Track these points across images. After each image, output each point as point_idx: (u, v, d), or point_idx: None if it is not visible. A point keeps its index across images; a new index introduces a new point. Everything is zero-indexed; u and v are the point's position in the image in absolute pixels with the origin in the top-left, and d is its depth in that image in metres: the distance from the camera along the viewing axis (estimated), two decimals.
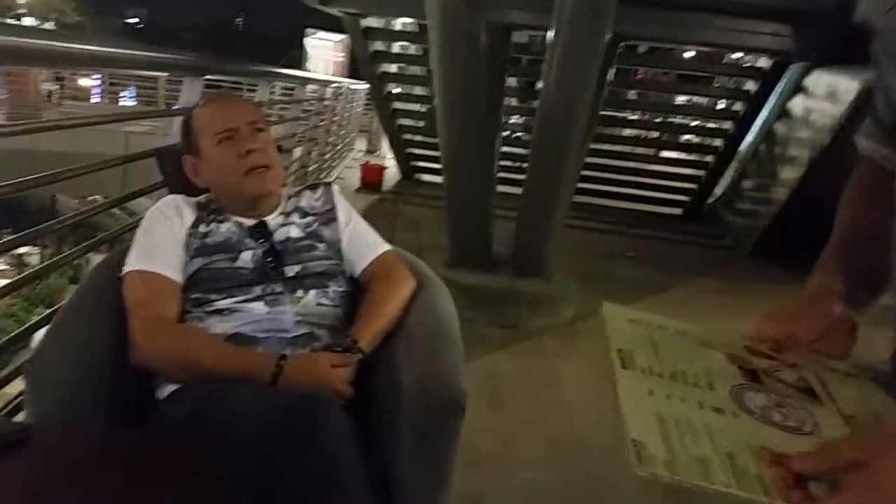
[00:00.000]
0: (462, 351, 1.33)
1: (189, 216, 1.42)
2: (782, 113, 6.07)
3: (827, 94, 5.00)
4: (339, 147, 8.17)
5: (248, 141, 1.41)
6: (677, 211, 7.54)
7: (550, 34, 3.36)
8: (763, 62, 6.28)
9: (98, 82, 14.37)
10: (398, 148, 7.94)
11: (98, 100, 14.52)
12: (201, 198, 1.48)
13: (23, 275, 2.09)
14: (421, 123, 8.01)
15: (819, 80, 5.28)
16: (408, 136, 7.90)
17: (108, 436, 1.08)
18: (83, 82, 14.47)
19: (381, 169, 7.73)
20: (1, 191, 1.48)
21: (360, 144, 10.58)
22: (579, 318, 3.81)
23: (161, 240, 1.38)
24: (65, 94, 13.84)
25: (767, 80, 6.08)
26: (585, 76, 3.40)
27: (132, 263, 1.35)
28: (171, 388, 1.27)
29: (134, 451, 1.00)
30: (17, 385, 1.38)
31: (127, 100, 14.57)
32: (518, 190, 4.17)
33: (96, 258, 2.77)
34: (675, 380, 0.67)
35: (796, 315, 0.74)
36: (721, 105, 7.74)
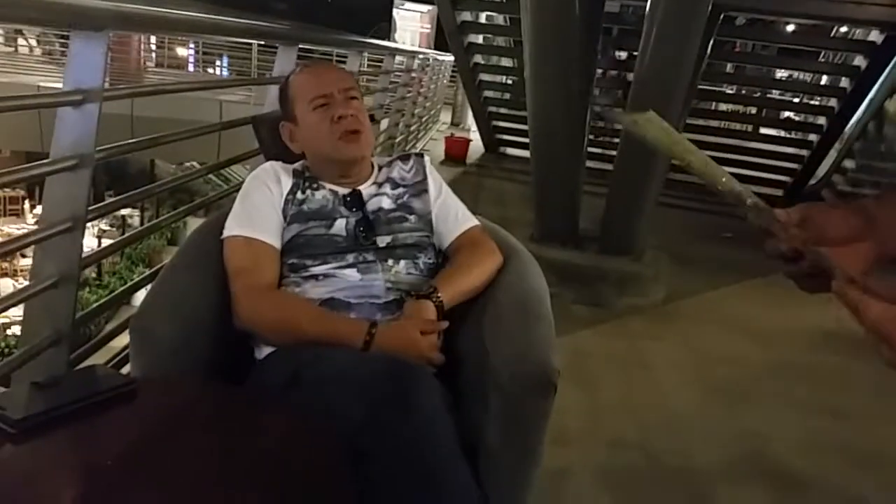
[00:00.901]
0: (553, 327, 1.30)
1: (286, 183, 1.44)
2: (894, 90, 5.65)
3: None
4: (424, 119, 8.18)
5: (342, 106, 1.42)
6: (778, 192, 7.17)
7: (649, 3, 3.23)
8: (874, 36, 5.84)
9: (193, 52, 14.86)
10: (483, 120, 7.89)
11: (192, 69, 15.02)
12: (297, 165, 1.50)
13: (125, 235, 2.19)
14: (506, 96, 7.92)
15: None
16: (493, 109, 7.83)
17: (209, 392, 1.11)
18: (181, 51, 14.99)
19: (466, 141, 7.70)
20: (104, 154, 1.54)
21: (445, 117, 10.58)
22: (670, 300, 3.70)
23: (260, 206, 1.41)
24: (162, 63, 14.36)
25: (879, 55, 5.66)
26: (684, 48, 3.25)
27: (233, 228, 1.38)
28: (268, 349, 1.30)
29: (233, 408, 1.02)
30: (123, 339, 1.44)
31: (220, 69, 15.03)
32: (608, 166, 4.06)
33: (194, 221, 2.89)
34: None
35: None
36: (826, 81, 7.27)
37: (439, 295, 1.32)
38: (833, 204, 0.68)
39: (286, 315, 1.30)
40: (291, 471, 0.90)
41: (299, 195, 1.43)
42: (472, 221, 1.53)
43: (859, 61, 6.06)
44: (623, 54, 7.18)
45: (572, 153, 3.90)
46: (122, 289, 1.80)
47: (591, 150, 5.10)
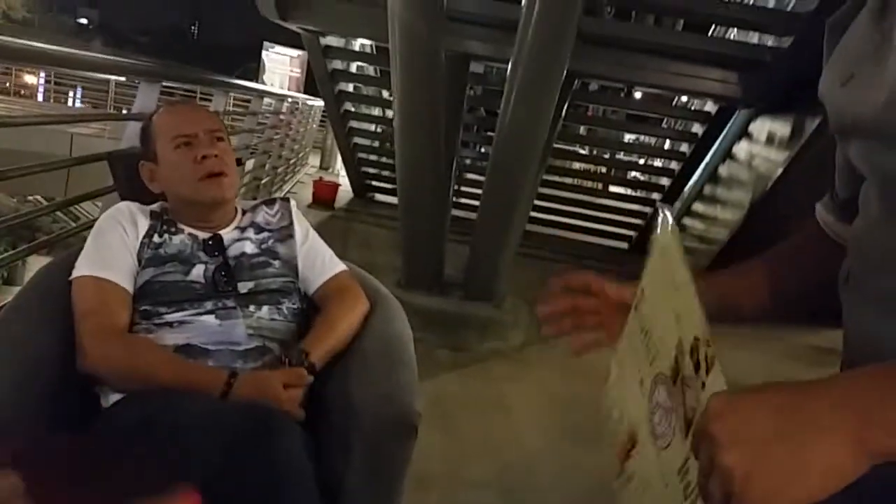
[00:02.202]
0: (416, 371, 1.34)
1: (143, 225, 1.40)
2: (727, 156, 6.31)
3: (770, 140, 5.23)
4: (292, 162, 8.11)
5: (206, 147, 1.39)
6: (623, 245, 7.72)
7: (510, 67, 3.44)
8: (710, 106, 6.52)
9: (43, 80, 13.93)
10: (352, 166, 7.93)
11: (41, 98, 14.05)
12: (155, 206, 1.46)
13: None
14: (376, 143, 8.03)
15: (763, 127, 5.53)
16: (362, 155, 7.90)
17: (53, 442, 1.04)
18: (29, 79, 14.00)
19: (335, 186, 7.70)
20: None
21: (314, 160, 10.53)
22: (529, 344, 3.85)
23: (113, 247, 1.35)
24: (7, 91, 13.34)
25: (714, 124, 6.32)
26: (542, 109, 3.48)
27: (83, 268, 1.31)
28: (117, 396, 1.23)
29: (81, 457, 0.97)
30: None
31: (73, 101, 14.14)
32: (472, 215, 4.22)
33: (35, 261, 2.68)
34: (643, 332, 0.69)
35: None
36: (668, 145, 7.99)
37: (312, 360, 1.30)
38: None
39: (138, 360, 1.23)
40: None
41: (156, 238, 1.38)
42: (340, 267, 1.54)
43: (697, 129, 6.71)
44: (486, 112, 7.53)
45: (438, 202, 4.02)
46: None
47: (456, 199, 5.29)
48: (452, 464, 2.39)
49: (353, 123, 7.53)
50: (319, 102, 8.37)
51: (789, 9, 4.92)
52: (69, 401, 1.23)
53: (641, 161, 8.57)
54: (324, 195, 7.42)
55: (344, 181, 8.31)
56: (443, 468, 2.30)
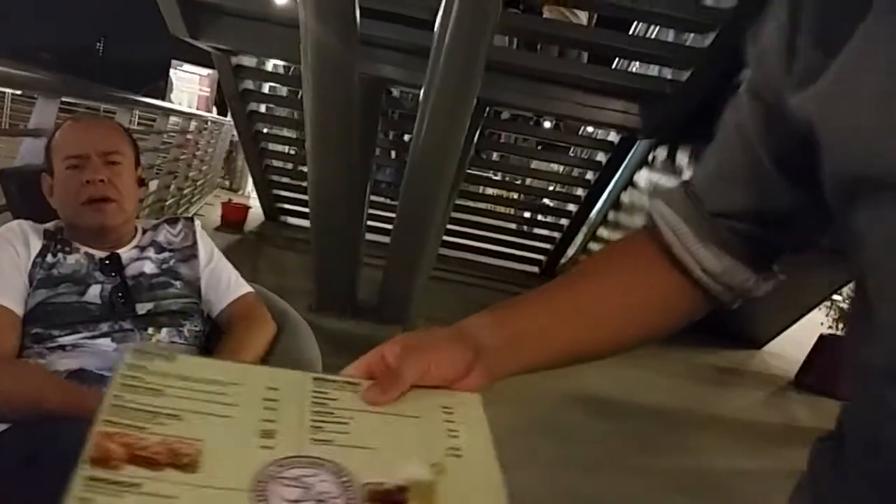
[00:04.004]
0: None
1: (35, 244, 1.33)
2: (629, 183, 6.60)
3: (668, 169, 5.52)
4: (200, 183, 7.88)
5: (95, 171, 1.34)
6: (534, 269, 7.90)
7: (422, 93, 3.49)
8: (612, 136, 6.81)
9: None
10: (263, 188, 7.78)
11: None
12: (49, 225, 1.40)
13: None
14: (289, 165, 7.91)
15: (662, 156, 5.83)
16: (274, 177, 7.77)
17: None
18: None
19: (245, 208, 7.53)
20: None
21: (222, 182, 10.26)
22: None
23: (3, 267, 1.28)
24: None
25: (616, 153, 6.60)
26: (453, 135, 3.54)
27: None
28: (2, 424, 1.16)
29: None
30: None
31: None
32: (385, 239, 4.22)
33: None
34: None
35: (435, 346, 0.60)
36: (575, 173, 8.28)
37: None
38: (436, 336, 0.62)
39: (24, 387, 1.16)
40: None
41: (49, 258, 1.32)
42: (245, 288, 1.51)
43: (601, 157, 6.99)
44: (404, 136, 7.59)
45: (351, 225, 4.01)
46: None
47: (370, 223, 5.27)
48: None
49: (266, 145, 7.41)
50: (230, 122, 8.19)
51: (687, 43, 5.22)
52: None
53: (550, 188, 8.84)
54: (233, 217, 7.23)
55: (255, 203, 8.13)
56: None
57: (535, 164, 9.38)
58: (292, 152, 7.88)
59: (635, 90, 5.26)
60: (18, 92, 10.14)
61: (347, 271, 4.11)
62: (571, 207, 7.42)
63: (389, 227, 5.75)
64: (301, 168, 7.34)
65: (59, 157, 1.36)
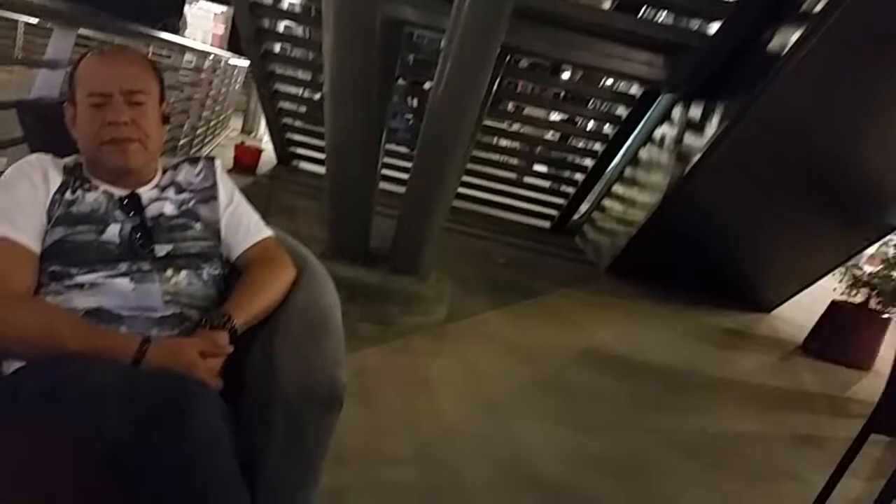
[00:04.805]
0: (342, 343, 1.31)
1: (55, 180, 1.30)
2: (648, 139, 6.48)
3: (691, 125, 5.40)
4: (212, 123, 7.81)
5: (117, 112, 1.28)
6: (546, 224, 7.85)
7: (446, 37, 3.40)
8: (635, 89, 6.67)
9: None
10: (277, 131, 7.70)
11: None
12: (69, 160, 1.36)
13: None
14: (303, 109, 7.82)
15: (685, 112, 5.70)
16: (288, 121, 7.68)
17: None
18: None
19: (258, 151, 7.46)
20: None
21: (236, 123, 10.17)
22: (450, 319, 3.88)
23: (21, 203, 1.25)
24: None
25: (637, 107, 6.47)
26: (476, 83, 3.46)
27: None
28: (18, 363, 1.15)
29: None
30: None
31: None
32: (399, 188, 4.17)
33: None
34: None
35: None
36: (593, 126, 8.13)
37: (234, 323, 1.25)
38: None
39: (43, 326, 1.14)
40: (53, 494, 0.81)
41: (68, 195, 1.29)
42: (266, 232, 1.49)
43: (621, 111, 6.86)
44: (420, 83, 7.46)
45: (367, 171, 3.96)
46: None
47: (385, 172, 5.22)
48: (371, 439, 2.38)
49: (280, 86, 7.31)
50: (244, 62, 8.06)
51: None
52: None
53: (566, 141, 8.70)
54: (245, 160, 7.19)
55: (267, 147, 8.06)
56: (361, 443, 2.30)
57: (552, 117, 9.22)
58: (306, 96, 7.77)
59: (661, 41, 5.12)
60: (33, 22, 9.98)
61: (361, 219, 4.08)
62: (587, 162, 7.32)
63: (401, 175, 5.71)
64: (316, 113, 7.24)
65: (81, 91, 1.31)
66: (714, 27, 5.14)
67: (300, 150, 7.95)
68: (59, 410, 1.01)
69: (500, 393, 3.14)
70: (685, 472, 2.75)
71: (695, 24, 5.63)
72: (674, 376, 3.94)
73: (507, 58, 5.70)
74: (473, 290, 4.62)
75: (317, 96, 7.59)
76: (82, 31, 2.47)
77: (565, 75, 9.37)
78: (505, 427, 2.78)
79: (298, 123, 7.79)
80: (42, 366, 1.11)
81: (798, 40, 3.94)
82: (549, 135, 8.76)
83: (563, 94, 9.34)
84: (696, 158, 4.87)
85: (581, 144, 8.25)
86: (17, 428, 0.93)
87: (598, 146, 7.23)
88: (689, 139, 5.32)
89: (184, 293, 1.30)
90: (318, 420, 1.19)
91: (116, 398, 1.00)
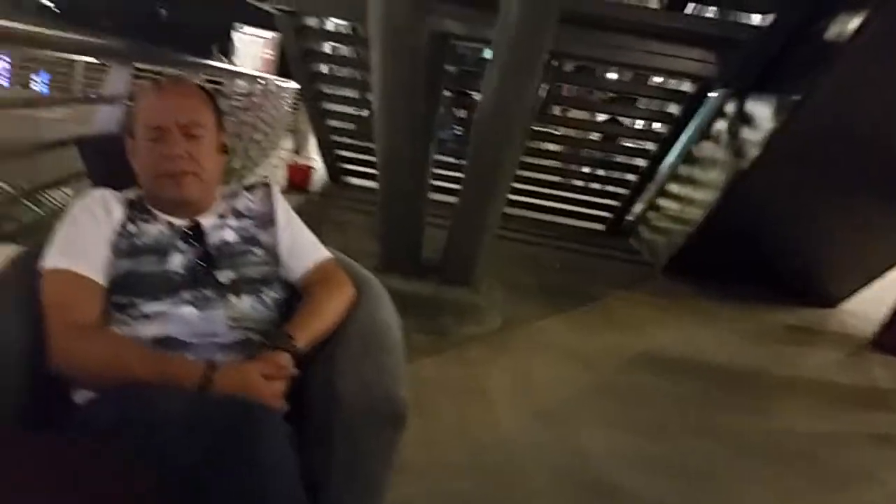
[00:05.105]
0: (403, 359, 1.31)
1: (118, 213, 1.34)
2: (703, 136, 6.33)
3: (746, 120, 5.25)
4: (264, 145, 7.98)
5: (174, 145, 1.31)
6: (600, 226, 7.74)
7: (493, 47, 3.40)
8: (687, 86, 6.52)
9: (7, 65, 13.51)
10: (326, 150, 7.82)
11: (6, 83, 13.61)
12: (130, 193, 1.40)
13: None
14: (351, 126, 7.92)
15: (739, 107, 5.55)
16: (337, 138, 7.80)
17: (28, 442, 1.00)
18: None
19: (309, 169, 7.60)
20: None
21: (287, 143, 10.39)
22: (506, 328, 3.85)
23: (86, 237, 1.29)
24: None
25: (690, 104, 6.32)
26: (524, 90, 3.43)
27: (52, 260, 1.25)
28: (91, 393, 1.18)
29: (56, 458, 0.93)
30: None
31: (39, 85, 13.71)
32: (450, 198, 4.18)
33: (1, 250, 2.60)
34: None
35: None
36: (645, 126, 8.00)
37: (295, 343, 1.27)
38: None
39: (110, 356, 1.17)
40: None
41: (131, 227, 1.33)
42: (324, 253, 1.50)
43: (673, 109, 6.71)
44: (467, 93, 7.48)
45: (417, 184, 3.98)
46: None
47: (434, 183, 5.24)
48: (430, 449, 2.37)
49: (328, 106, 7.43)
50: (293, 85, 8.23)
51: None
52: (39, 396, 1.18)
53: (618, 142, 8.58)
54: (298, 179, 7.32)
55: (318, 165, 8.20)
56: (420, 454, 2.29)
57: (601, 118, 9.10)
58: (355, 113, 7.87)
59: (712, 37, 5.00)
60: (91, 60, 10.41)
61: (412, 231, 4.09)
62: (640, 162, 7.20)
63: (451, 185, 5.71)
64: (365, 129, 7.33)
65: (139, 125, 1.35)
66: (767, 19, 5.00)
67: (350, 166, 8.05)
68: (127, 440, 1.03)
69: (558, 399, 3.09)
70: (753, 475, 2.65)
71: (744, 17, 5.49)
72: (736, 376, 3.81)
73: (555, 63, 5.67)
74: (528, 297, 4.58)
75: (364, 113, 7.68)
76: (137, 63, 2.55)
77: (612, 76, 9.25)
78: (564, 433, 2.74)
79: (348, 140, 7.90)
80: (109, 395, 1.13)
81: (858, 27, 3.79)
82: (599, 136, 8.65)
83: (612, 95, 9.22)
84: (754, 153, 4.74)
85: (633, 145, 8.12)
86: (88, 459, 0.96)
87: (650, 146, 7.10)
88: (745, 134, 5.17)
89: (248, 318, 1.32)
90: (381, 439, 1.20)
91: (183, 426, 1.02)
